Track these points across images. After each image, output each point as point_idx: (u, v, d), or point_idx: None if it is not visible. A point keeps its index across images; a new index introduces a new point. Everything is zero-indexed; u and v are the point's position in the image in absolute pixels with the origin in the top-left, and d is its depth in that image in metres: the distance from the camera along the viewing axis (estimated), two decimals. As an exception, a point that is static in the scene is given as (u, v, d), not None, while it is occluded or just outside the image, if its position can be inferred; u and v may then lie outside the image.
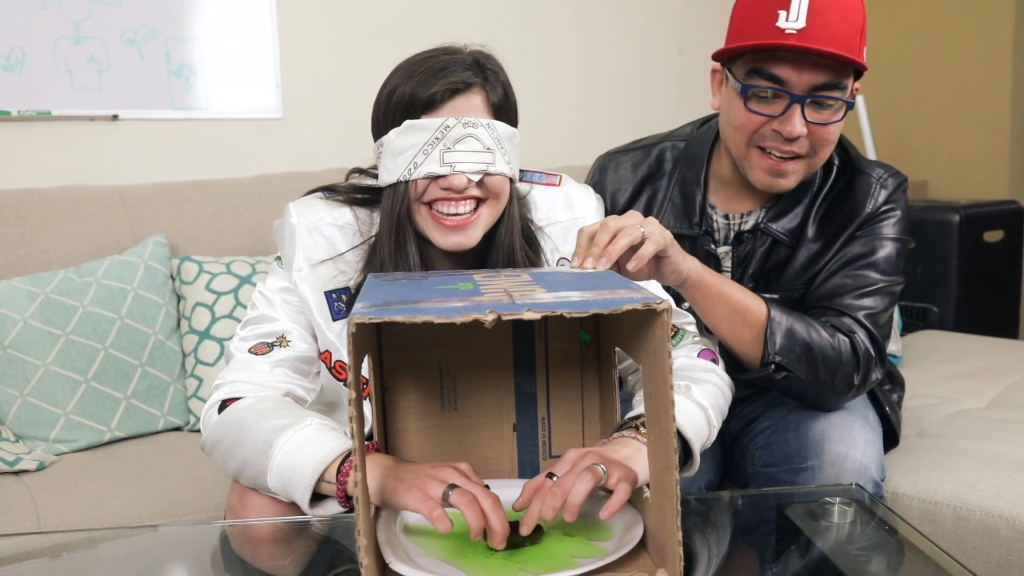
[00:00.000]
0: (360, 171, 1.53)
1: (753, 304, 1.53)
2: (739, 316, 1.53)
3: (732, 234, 1.75)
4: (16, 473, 1.95)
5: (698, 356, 1.45)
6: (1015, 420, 2.11)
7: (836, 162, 1.73)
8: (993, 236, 3.63)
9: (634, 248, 1.30)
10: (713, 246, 1.74)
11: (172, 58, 2.67)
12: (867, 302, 1.62)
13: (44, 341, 2.11)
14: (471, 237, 1.38)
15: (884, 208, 1.69)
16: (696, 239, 1.73)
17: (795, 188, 1.68)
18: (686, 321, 1.55)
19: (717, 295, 1.50)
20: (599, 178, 1.87)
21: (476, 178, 1.34)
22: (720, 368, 1.44)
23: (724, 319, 1.53)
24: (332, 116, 2.99)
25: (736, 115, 1.61)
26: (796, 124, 1.55)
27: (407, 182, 1.36)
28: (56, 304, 2.15)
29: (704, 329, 1.62)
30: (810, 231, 1.70)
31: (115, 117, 2.61)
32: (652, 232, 1.31)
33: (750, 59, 1.57)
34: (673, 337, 1.49)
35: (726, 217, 1.75)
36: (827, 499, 1.28)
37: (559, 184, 1.54)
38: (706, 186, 1.75)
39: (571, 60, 3.59)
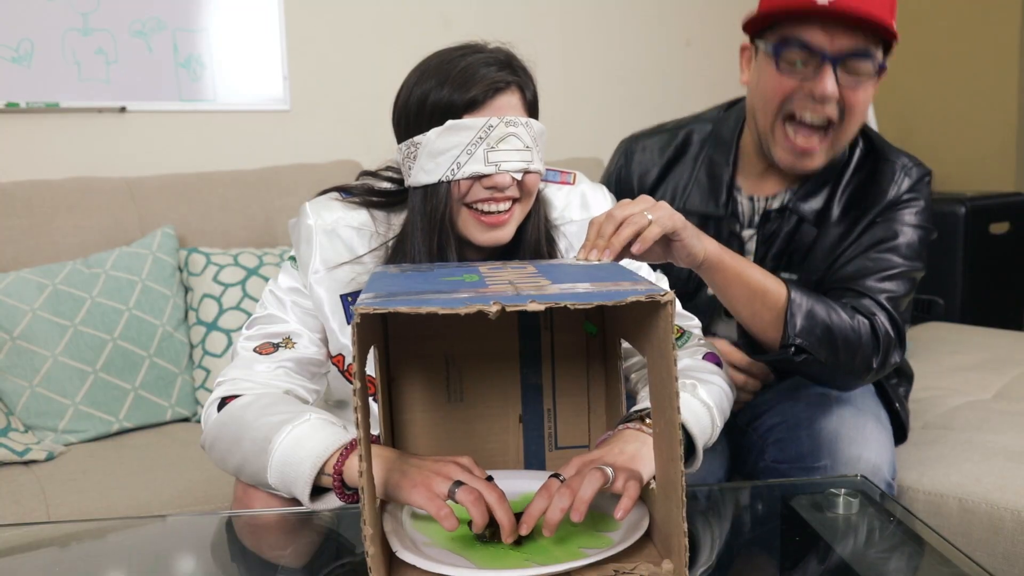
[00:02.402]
0: (370, 174, 1.52)
1: (773, 286, 1.50)
2: (759, 298, 1.49)
3: (757, 216, 1.76)
4: (25, 463, 1.96)
5: (702, 359, 1.45)
6: (1020, 412, 2.11)
7: (860, 146, 1.74)
8: (999, 228, 3.63)
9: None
10: (738, 227, 1.75)
11: (180, 50, 2.68)
12: (888, 285, 1.60)
13: (53, 332, 2.12)
14: (507, 233, 1.38)
15: (907, 196, 1.68)
16: (721, 220, 1.75)
17: (821, 171, 1.69)
18: (692, 324, 1.54)
19: (736, 276, 1.47)
20: (625, 161, 1.88)
21: (519, 176, 1.34)
22: (724, 372, 1.44)
23: (743, 300, 1.50)
24: (340, 108, 3.00)
25: (767, 81, 1.62)
26: (828, 83, 1.56)
27: (449, 182, 1.35)
28: (65, 295, 2.16)
29: (725, 313, 1.61)
30: (835, 214, 1.70)
31: (123, 109, 2.62)
32: (659, 216, 1.30)
33: (780, 28, 1.58)
34: (679, 338, 1.49)
35: (751, 199, 1.76)
36: (832, 491, 1.28)
37: (574, 183, 1.54)
38: (734, 167, 1.77)
39: (577, 53, 3.59)
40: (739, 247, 1.74)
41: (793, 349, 1.50)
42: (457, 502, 1.04)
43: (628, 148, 1.90)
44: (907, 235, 1.65)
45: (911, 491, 1.83)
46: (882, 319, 1.56)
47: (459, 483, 1.06)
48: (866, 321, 1.55)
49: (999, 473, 1.79)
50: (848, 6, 1.51)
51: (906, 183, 1.69)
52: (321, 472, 1.19)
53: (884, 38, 1.59)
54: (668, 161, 1.84)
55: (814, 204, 1.71)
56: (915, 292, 1.68)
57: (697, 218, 1.74)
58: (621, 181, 1.90)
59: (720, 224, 1.75)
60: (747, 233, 1.76)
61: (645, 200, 1.33)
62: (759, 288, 1.49)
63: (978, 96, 4.19)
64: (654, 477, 1.11)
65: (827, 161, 1.68)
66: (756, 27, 1.65)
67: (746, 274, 1.48)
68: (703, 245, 1.39)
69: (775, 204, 1.75)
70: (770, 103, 1.63)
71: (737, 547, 1.27)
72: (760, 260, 1.72)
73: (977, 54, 4.17)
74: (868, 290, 1.60)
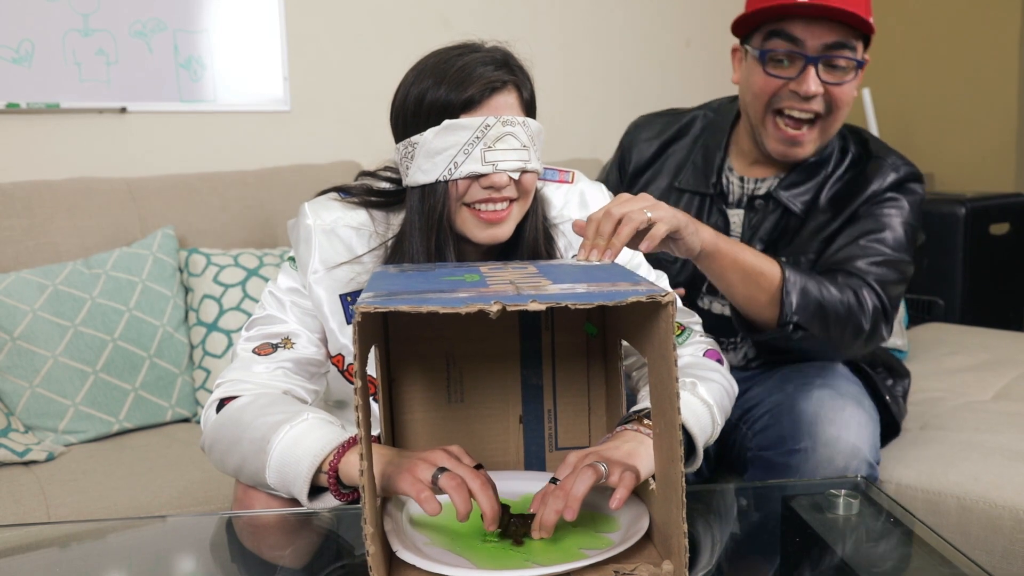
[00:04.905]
0: (368, 174, 1.52)
1: (767, 267, 1.57)
2: (753, 280, 1.56)
3: (745, 198, 1.83)
4: (25, 464, 1.96)
5: (704, 355, 1.45)
6: (1019, 412, 2.11)
7: (853, 151, 1.81)
8: (999, 229, 3.63)
9: (640, 233, 1.32)
10: (725, 207, 1.83)
11: (180, 50, 2.68)
12: (876, 270, 1.67)
13: (53, 333, 2.12)
14: (506, 230, 1.38)
15: (892, 191, 1.75)
16: (711, 198, 1.85)
17: (810, 165, 1.78)
18: (692, 320, 1.55)
19: (731, 263, 1.53)
20: (625, 133, 2.03)
21: (516, 176, 1.34)
22: (725, 368, 1.44)
23: (739, 284, 1.56)
24: (340, 108, 3.00)
25: (756, 80, 1.73)
26: (811, 83, 1.67)
27: (447, 182, 1.35)
28: (65, 296, 2.16)
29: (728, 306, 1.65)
30: (821, 203, 1.78)
31: (123, 110, 2.62)
32: (663, 215, 1.33)
33: (766, 26, 1.68)
34: (679, 335, 1.49)
35: (741, 180, 1.84)
36: (832, 491, 1.28)
37: (572, 181, 1.54)
38: (726, 150, 1.87)
39: (577, 53, 3.59)
40: (724, 224, 1.83)
41: (791, 327, 1.57)
42: (440, 489, 1.04)
43: (637, 123, 2.02)
44: (894, 229, 1.72)
45: (909, 490, 1.83)
46: (867, 293, 1.64)
47: (444, 469, 1.06)
48: (852, 293, 1.62)
49: (997, 472, 1.79)
50: (826, 2, 1.61)
51: (891, 177, 1.76)
52: (319, 471, 1.19)
53: (862, 32, 1.67)
54: (665, 142, 1.95)
55: (800, 195, 1.79)
56: (908, 289, 1.76)
57: (688, 195, 1.86)
58: (623, 149, 2.01)
59: (710, 201, 1.84)
60: (734, 212, 1.84)
61: (645, 198, 1.34)
62: (754, 271, 1.55)
63: (978, 96, 4.19)
64: (653, 476, 1.11)
65: (816, 150, 1.76)
66: (743, 28, 1.74)
67: (741, 258, 1.54)
68: (700, 237, 1.44)
69: (762, 189, 1.83)
70: (759, 99, 1.74)
71: (737, 548, 1.27)
72: (748, 240, 1.79)
73: (977, 54, 4.17)
74: (856, 270, 1.67)
